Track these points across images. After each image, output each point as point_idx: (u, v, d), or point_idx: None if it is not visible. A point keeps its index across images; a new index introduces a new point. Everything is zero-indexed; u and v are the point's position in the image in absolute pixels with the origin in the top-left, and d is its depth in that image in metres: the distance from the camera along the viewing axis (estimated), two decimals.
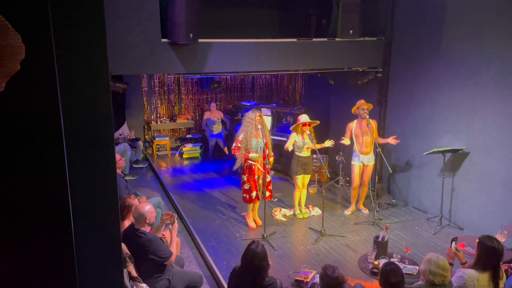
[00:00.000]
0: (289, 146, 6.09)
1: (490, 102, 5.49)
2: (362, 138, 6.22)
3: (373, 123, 6.22)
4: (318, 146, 6.08)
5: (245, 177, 5.91)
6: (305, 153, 6.16)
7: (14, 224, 1.75)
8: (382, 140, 6.35)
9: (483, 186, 5.68)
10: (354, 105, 6.26)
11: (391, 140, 6.18)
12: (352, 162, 6.40)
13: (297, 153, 6.17)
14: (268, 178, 5.88)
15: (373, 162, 6.36)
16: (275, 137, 7.63)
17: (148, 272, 3.87)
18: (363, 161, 6.31)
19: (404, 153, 6.87)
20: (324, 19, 7.43)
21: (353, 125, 6.29)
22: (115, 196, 1.99)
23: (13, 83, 1.61)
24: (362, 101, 6.25)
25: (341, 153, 7.23)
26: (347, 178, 7.55)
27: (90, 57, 1.81)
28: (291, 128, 6.21)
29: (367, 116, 6.14)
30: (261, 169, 5.83)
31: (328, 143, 6.09)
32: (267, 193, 5.90)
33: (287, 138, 6.38)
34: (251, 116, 5.75)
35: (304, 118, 6.09)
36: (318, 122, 6.22)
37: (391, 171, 6.19)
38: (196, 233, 5.82)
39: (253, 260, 3.47)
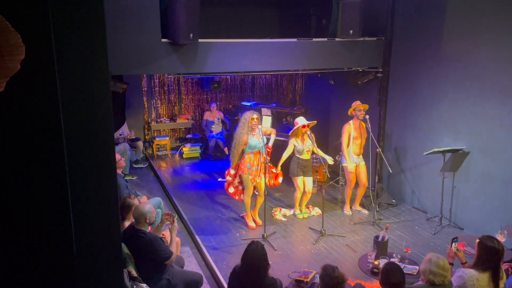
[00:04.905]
0: (284, 156, 6.09)
1: (490, 102, 5.49)
2: (359, 139, 6.28)
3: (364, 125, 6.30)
4: (319, 151, 6.05)
5: (232, 171, 5.94)
6: (305, 156, 6.15)
7: (14, 224, 1.75)
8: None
9: (483, 186, 5.67)
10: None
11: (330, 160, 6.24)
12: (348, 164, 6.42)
13: (297, 155, 6.16)
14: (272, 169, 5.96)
15: (364, 162, 6.41)
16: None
17: (148, 272, 3.87)
18: (356, 162, 6.35)
19: (404, 153, 6.87)
20: (324, 19, 7.43)
21: (350, 127, 6.29)
22: (115, 196, 1.99)
23: (13, 83, 1.61)
24: (358, 102, 6.26)
25: (341, 153, 7.23)
26: None
27: (90, 57, 1.81)
28: (290, 134, 6.15)
29: (367, 117, 6.15)
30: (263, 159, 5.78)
31: (329, 160, 6.19)
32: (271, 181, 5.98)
33: (287, 138, 6.36)
34: (245, 117, 5.79)
35: (301, 120, 6.06)
36: (315, 122, 6.21)
37: (391, 171, 6.19)
38: (196, 233, 5.82)
39: (253, 260, 3.48)
